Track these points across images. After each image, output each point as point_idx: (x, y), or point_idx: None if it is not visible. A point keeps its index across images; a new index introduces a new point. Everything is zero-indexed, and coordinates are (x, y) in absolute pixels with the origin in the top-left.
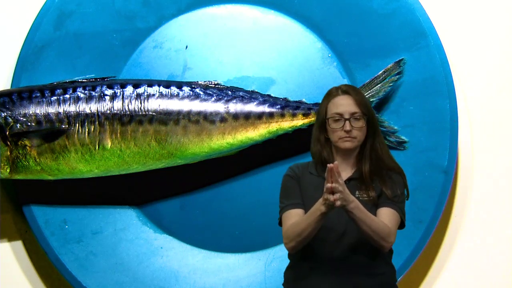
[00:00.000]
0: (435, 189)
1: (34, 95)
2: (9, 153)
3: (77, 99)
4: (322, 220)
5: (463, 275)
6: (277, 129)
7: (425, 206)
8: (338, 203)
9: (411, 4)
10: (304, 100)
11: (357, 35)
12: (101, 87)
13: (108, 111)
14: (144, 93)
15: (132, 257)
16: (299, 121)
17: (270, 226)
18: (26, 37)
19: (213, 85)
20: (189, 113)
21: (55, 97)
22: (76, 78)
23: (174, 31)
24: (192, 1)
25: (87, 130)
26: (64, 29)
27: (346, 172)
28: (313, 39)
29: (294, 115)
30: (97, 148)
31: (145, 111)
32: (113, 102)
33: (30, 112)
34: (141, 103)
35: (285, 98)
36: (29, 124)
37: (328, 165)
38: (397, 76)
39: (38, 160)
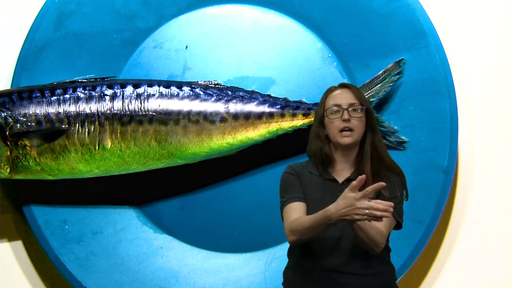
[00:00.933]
0: (435, 189)
1: (34, 95)
2: (9, 153)
3: (77, 99)
4: (328, 225)
5: (463, 275)
6: (277, 129)
7: (425, 206)
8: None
9: (411, 4)
10: (304, 100)
11: (357, 35)
12: (101, 87)
13: (108, 111)
14: (144, 93)
15: (132, 257)
16: (299, 121)
17: (270, 226)
18: (26, 37)
19: (213, 85)
20: (189, 113)
21: (55, 97)
22: (76, 78)
23: (174, 31)
24: (192, 1)
25: (87, 130)
26: (64, 29)
27: (345, 171)
28: (313, 39)
29: (294, 115)
30: (97, 148)
31: (145, 111)
32: (113, 102)
33: (30, 112)
34: (141, 103)
35: (285, 98)
36: (29, 124)
37: (359, 177)
38: (397, 76)
39: (38, 160)
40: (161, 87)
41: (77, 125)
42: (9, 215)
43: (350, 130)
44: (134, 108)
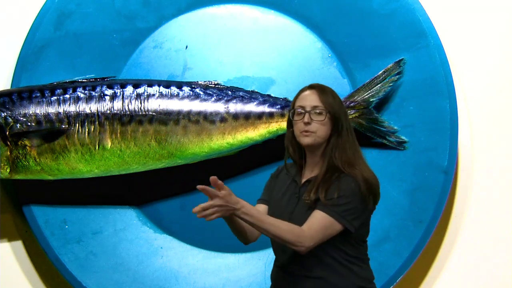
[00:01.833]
0: (435, 189)
1: (34, 95)
2: (9, 153)
3: (77, 99)
4: (233, 224)
5: (463, 275)
6: (277, 129)
7: (425, 206)
8: (211, 216)
9: (411, 4)
10: None
11: (357, 35)
12: (101, 87)
13: (108, 111)
14: (144, 93)
15: (132, 257)
16: None
17: None
18: (26, 37)
19: (213, 85)
20: (189, 113)
21: (55, 97)
22: (76, 78)
23: (174, 31)
24: (192, 1)
25: (87, 130)
26: (64, 29)
27: (314, 171)
28: (313, 39)
29: None
30: (97, 148)
31: (145, 111)
32: (113, 102)
33: (30, 112)
34: (141, 103)
35: (285, 98)
36: (29, 124)
37: (210, 178)
38: (397, 76)
39: (38, 160)
40: (161, 87)
41: (77, 125)
42: (9, 215)
43: (311, 132)
44: (134, 108)
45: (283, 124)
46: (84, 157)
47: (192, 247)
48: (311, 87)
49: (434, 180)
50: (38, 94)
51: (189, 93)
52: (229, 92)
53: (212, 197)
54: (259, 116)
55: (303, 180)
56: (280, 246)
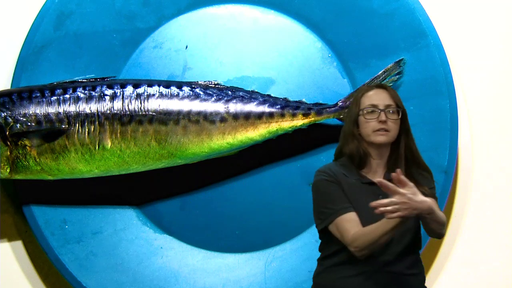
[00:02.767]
0: None
1: (34, 95)
2: (9, 153)
3: (77, 99)
4: (400, 226)
5: (463, 275)
6: (277, 129)
7: None
8: (393, 215)
9: (411, 4)
10: (304, 100)
11: (357, 35)
12: (101, 87)
13: (108, 111)
14: (144, 93)
15: (132, 257)
16: (299, 121)
17: (270, 226)
18: (26, 37)
19: (213, 85)
20: (189, 113)
21: (55, 97)
22: (76, 78)
23: (174, 31)
24: (192, 1)
25: (87, 130)
26: (64, 29)
27: (379, 173)
28: (313, 39)
29: (294, 115)
30: (97, 148)
31: (145, 111)
32: (113, 102)
33: (30, 112)
34: (141, 103)
35: (285, 98)
36: (29, 124)
37: (392, 174)
38: (397, 76)
39: (38, 160)
40: (161, 87)
41: (77, 125)
42: (9, 215)
43: (386, 130)
44: (134, 108)
45: (283, 124)
46: (84, 157)
47: (192, 247)
48: (377, 86)
49: (434, 180)
50: (38, 94)
51: (189, 93)
52: (229, 92)
53: (393, 194)
54: (259, 116)
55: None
56: (391, 255)
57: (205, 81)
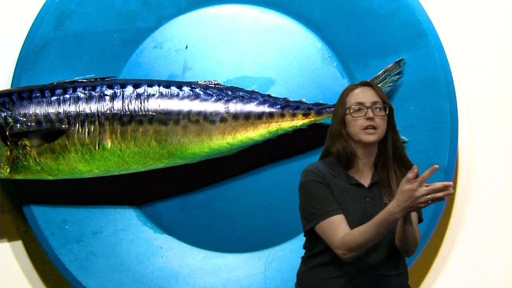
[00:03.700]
0: None
1: (34, 95)
2: (9, 153)
3: (77, 99)
4: (388, 229)
5: (463, 275)
6: (277, 129)
7: None
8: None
9: (411, 4)
10: (304, 100)
11: (357, 35)
12: (101, 87)
13: (108, 111)
14: (144, 93)
15: (132, 257)
16: (299, 121)
17: (270, 226)
18: (26, 37)
19: (213, 85)
20: (189, 113)
21: (55, 97)
22: (76, 78)
23: (174, 31)
24: (192, 1)
25: (87, 130)
26: (64, 29)
27: (367, 173)
28: (313, 39)
29: (294, 115)
30: (97, 148)
31: (145, 111)
32: (113, 102)
33: (30, 112)
34: (141, 103)
35: (285, 98)
36: (29, 124)
37: (413, 169)
38: (397, 76)
39: (38, 160)
40: (161, 87)
41: (77, 125)
42: (9, 215)
43: (374, 128)
44: (134, 108)
45: (283, 124)
46: (84, 157)
47: (192, 247)
48: (362, 84)
49: (434, 180)
50: (38, 94)
51: (189, 93)
52: (229, 92)
53: (421, 184)
54: (259, 116)
55: (367, 183)
56: (376, 258)
57: (205, 81)
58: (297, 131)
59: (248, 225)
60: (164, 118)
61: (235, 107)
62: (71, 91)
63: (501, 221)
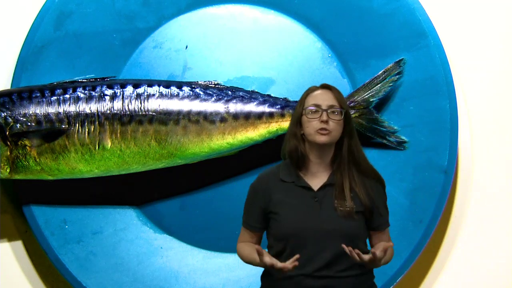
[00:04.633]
0: (435, 189)
1: (34, 95)
2: (9, 153)
3: (77, 99)
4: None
5: (463, 275)
6: (277, 129)
7: (425, 206)
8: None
9: (411, 4)
10: None
11: (357, 35)
12: (101, 87)
13: (108, 111)
14: (144, 93)
15: (132, 257)
16: None
17: None
18: (26, 37)
19: (213, 85)
20: (189, 113)
21: (55, 97)
22: (76, 78)
23: (174, 31)
24: (192, 1)
25: (87, 130)
26: (64, 29)
27: (320, 175)
28: (313, 39)
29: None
30: (97, 148)
31: (145, 111)
32: (113, 102)
33: (30, 112)
34: (141, 103)
35: (285, 98)
36: (29, 124)
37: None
38: (397, 76)
39: (38, 160)
40: (161, 87)
41: (77, 125)
42: (9, 215)
43: (327, 131)
44: (134, 108)
45: (283, 124)
46: (84, 157)
47: (192, 247)
48: (322, 86)
49: (434, 180)
50: (38, 94)
51: (189, 93)
52: (229, 92)
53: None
54: (259, 116)
55: (317, 185)
56: (316, 256)
57: (205, 81)
58: None
59: None
60: (164, 118)
61: (235, 107)
62: (71, 91)
63: (501, 221)
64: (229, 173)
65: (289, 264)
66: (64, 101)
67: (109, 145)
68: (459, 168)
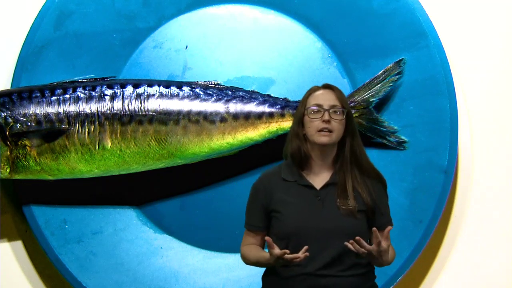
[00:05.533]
0: (435, 189)
1: (34, 95)
2: (9, 153)
3: (77, 99)
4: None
5: (463, 275)
6: (277, 129)
7: (425, 206)
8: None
9: (411, 4)
10: None
11: (357, 35)
12: (101, 87)
13: (108, 111)
14: (144, 93)
15: (132, 257)
16: None
17: None
18: (26, 37)
19: (213, 85)
20: (189, 113)
21: (55, 97)
22: (76, 78)
23: (174, 31)
24: (192, 1)
25: (87, 130)
26: (64, 29)
27: (322, 174)
28: (313, 39)
29: (294, 115)
30: (97, 148)
31: (145, 111)
32: (113, 102)
33: (30, 112)
34: (141, 103)
35: (285, 98)
36: (29, 124)
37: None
38: (397, 76)
39: (38, 160)
40: (161, 87)
41: (77, 125)
42: (9, 215)
43: (329, 131)
44: (134, 108)
45: (283, 124)
46: (84, 157)
47: (192, 247)
48: (324, 86)
49: (434, 180)
50: (38, 94)
51: (189, 93)
52: (229, 92)
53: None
54: (259, 116)
55: (320, 184)
56: (318, 254)
57: (205, 81)
58: None
59: None
60: (164, 118)
61: (235, 107)
62: (71, 91)
63: (501, 221)
64: (229, 173)
65: (300, 254)
66: (64, 101)
67: (109, 145)
68: (459, 168)
